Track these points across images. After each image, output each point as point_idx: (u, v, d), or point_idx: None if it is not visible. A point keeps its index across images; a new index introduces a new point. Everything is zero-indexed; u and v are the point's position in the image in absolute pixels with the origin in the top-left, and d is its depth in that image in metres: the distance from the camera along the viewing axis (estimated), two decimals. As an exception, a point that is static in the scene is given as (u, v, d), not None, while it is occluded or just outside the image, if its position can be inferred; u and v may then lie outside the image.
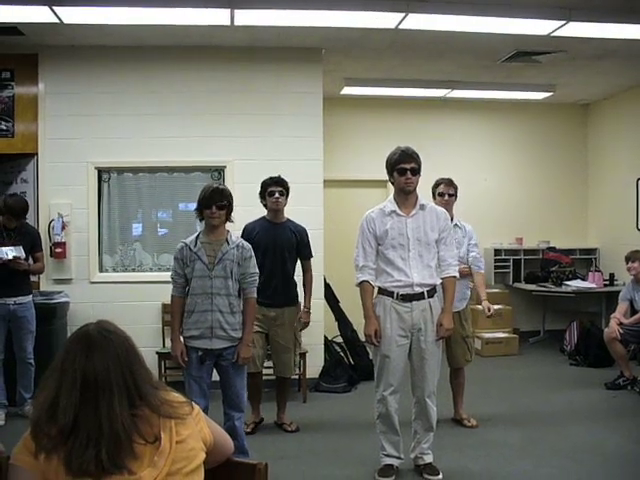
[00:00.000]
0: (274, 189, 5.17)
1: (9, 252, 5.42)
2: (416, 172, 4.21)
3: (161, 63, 6.58)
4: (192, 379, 4.24)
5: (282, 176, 5.26)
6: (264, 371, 5.40)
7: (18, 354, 5.59)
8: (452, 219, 5.06)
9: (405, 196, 4.23)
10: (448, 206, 5.05)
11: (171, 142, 6.56)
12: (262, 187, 5.24)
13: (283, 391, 5.46)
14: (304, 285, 5.42)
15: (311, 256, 5.46)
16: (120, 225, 6.72)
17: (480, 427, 5.32)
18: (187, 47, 6.50)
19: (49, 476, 1.68)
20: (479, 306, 5.53)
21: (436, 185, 5.33)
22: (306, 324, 5.46)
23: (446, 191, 5.27)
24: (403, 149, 4.23)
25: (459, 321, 5.19)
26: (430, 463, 4.34)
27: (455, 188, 5.32)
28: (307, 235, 5.40)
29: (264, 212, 5.32)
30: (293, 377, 5.68)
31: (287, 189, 5.24)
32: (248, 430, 5.16)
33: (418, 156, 4.24)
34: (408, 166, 4.17)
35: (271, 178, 5.23)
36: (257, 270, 4.35)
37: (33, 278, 5.96)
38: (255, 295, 4.35)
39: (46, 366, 1.83)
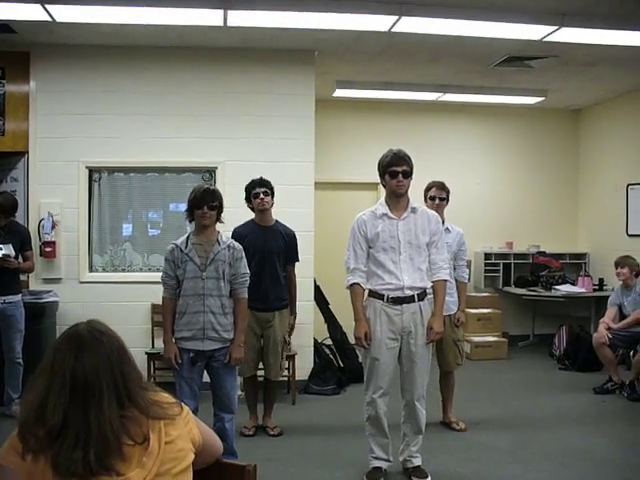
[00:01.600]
0: (258, 190, 5.17)
1: (-2, 250, 5.40)
2: (408, 175, 4.21)
3: (154, 63, 6.57)
4: (183, 380, 4.22)
5: (265, 177, 5.25)
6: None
7: (6, 353, 5.57)
8: (443, 222, 5.06)
9: (397, 199, 4.23)
10: (439, 210, 5.03)
11: (163, 142, 6.55)
12: (246, 191, 5.25)
13: (270, 394, 5.44)
14: (289, 290, 5.37)
15: (297, 260, 5.43)
16: (110, 225, 6.70)
17: (469, 430, 5.32)
18: (180, 47, 6.49)
19: (36, 477, 1.66)
20: (469, 310, 5.53)
21: (427, 188, 5.32)
22: (293, 327, 5.46)
23: (437, 195, 5.25)
24: (395, 152, 4.23)
25: (450, 325, 5.20)
26: (419, 466, 4.34)
27: (447, 192, 5.31)
28: (296, 239, 5.37)
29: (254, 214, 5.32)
30: (282, 379, 5.66)
31: (271, 189, 5.22)
32: (250, 433, 5.23)
33: (410, 159, 4.24)
34: (400, 169, 4.17)
35: (253, 180, 5.24)
36: (248, 271, 4.35)
37: (22, 277, 5.94)
38: (246, 296, 4.33)
39: (34, 366, 1.81)
